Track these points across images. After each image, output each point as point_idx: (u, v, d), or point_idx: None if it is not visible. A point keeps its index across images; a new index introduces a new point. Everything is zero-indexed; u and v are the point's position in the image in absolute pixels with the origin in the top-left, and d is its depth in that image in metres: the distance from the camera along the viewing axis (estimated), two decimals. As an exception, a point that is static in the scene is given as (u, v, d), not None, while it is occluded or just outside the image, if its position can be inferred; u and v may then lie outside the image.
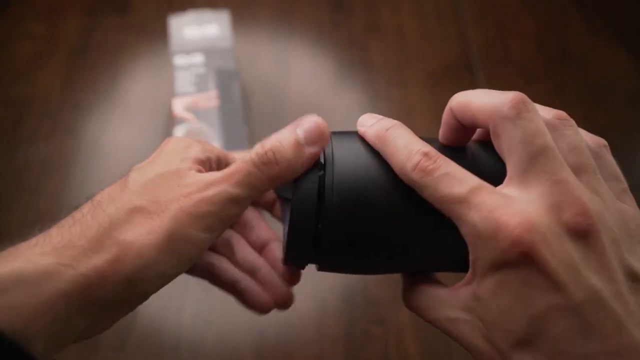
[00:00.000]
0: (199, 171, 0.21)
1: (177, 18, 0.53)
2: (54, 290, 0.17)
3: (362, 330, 0.45)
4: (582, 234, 0.17)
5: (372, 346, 0.45)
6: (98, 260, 0.18)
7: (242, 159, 0.20)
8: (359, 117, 0.24)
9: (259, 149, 0.20)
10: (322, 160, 0.22)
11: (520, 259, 0.17)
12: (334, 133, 0.23)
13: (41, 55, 0.62)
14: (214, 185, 0.19)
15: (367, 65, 0.63)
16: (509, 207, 0.17)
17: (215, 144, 0.46)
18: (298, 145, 0.21)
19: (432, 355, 0.44)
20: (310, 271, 0.50)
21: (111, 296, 0.18)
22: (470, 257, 0.19)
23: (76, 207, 0.20)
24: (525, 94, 0.63)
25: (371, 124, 0.22)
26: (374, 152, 0.22)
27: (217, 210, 0.19)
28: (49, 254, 0.17)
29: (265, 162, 0.20)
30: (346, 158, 0.21)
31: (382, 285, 0.48)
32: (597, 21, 0.69)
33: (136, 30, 0.65)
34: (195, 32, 0.52)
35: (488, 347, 0.18)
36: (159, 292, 0.47)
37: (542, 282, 0.17)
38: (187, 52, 0.51)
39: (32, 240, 0.18)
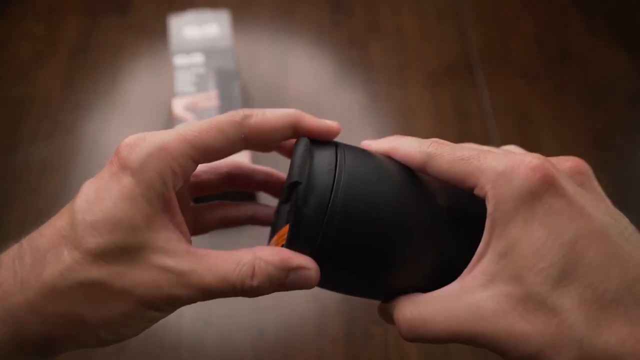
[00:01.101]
0: (171, 214, 0.20)
1: (176, 18, 0.53)
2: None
3: (362, 330, 0.45)
4: (581, 178, 0.20)
5: (372, 346, 0.45)
6: (37, 329, 0.18)
7: (224, 277, 0.19)
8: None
9: (247, 278, 0.19)
10: (332, 166, 0.21)
11: (543, 186, 0.17)
12: (340, 143, 0.23)
13: (41, 55, 0.62)
14: (185, 292, 0.19)
15: (367, 65, 0.63)
16: (520, 154, 0.19)
17: None
18: (279, 287, 0.20)
19: (432, 355, 0.44)
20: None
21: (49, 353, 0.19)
22: (491, 203, 0.18)
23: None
24: (526, 93, 0.64)
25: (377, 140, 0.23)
26: (381, 163, 0.22)
27: (177, 305, 0.20)
28: None
29: (243, 292, 0.19)
30: (355, 165, 0.21)
31: (382, 285, 0.48)
32: (597, 21, 0.69)
33: (136, 30, 0.65)
34: (195, 32, 0.53)
35: (530, 320, 0.17)
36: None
37: (565, 209, 0.17)
38: (187, 52, 0.51)
39: None
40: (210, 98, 0.48)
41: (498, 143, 0.58)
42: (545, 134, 0.58)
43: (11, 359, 0.17)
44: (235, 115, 0.20)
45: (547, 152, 0.57)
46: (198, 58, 0.50)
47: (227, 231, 0.50)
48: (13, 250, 0.18)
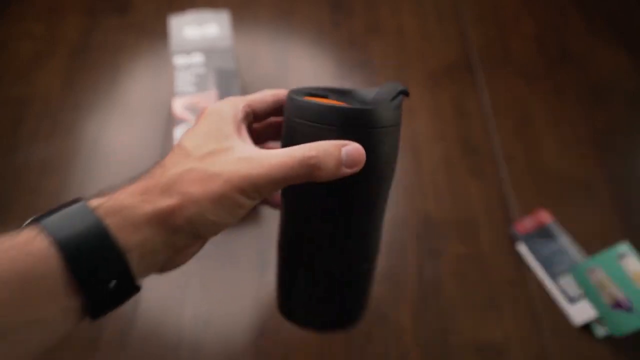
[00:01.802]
0: (243, 134, 0.27)
1: (177, 18, 0.53)
2: (139, 217, 0.23)
3: (362, 330, 0.45)
4: None
5: (372, 346, 0.45)
6: (168, 202, 0.23)
7: (289, 154, 0.24)
8: None
9: (306, 151, 0.24)
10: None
11: None
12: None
13: (41, 55, 0.62)
14: (260, 171, 0.24)
15: (367, 65, 0.63)
16: None
17: None
18: (339, 163, 0.24)
19: (432, 354, 0.44)
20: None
21: (180, 229, 0.23)
22: None
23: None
24: (526, 93, 0.64)
25: None
26: None
27: (259, 189, 0.24)
28: (133, 196, 0.23)
29: (309, 166, 0.24)
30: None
31: (382, 285, 0.48)
32: (597, 21, 0.69)
33: (136, 30, 0.65)
34: (195, 32, 0.53)
35: None
36: (159, 291, 0.47)
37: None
38: (187, 52, 0.51)
39: (118, 189, 0.24)
40: (210, 98, 0.48)
41: (498, 143, 0.58)
42: (545, 134, 0.58)
43: (167, 236, 0.23)
44: (271, 90, 0.30)
45: (547, 152, 0.57)
46: (198, 58, 0.50)
47: (228, 232, 0.50)
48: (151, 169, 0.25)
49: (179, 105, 0.47)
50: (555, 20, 0.69)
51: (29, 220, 0.23)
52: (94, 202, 0.23)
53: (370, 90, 0.28)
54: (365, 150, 0.25)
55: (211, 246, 0.49)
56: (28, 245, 0.21)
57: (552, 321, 0.46)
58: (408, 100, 0.60)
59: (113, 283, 0.22)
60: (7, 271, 0.20)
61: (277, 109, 0.30)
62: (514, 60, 0.65)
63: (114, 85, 0.60)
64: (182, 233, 0.24)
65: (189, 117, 0.47)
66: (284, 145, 0.27)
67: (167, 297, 0.46)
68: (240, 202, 0.24)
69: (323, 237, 0.28)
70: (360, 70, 0.63)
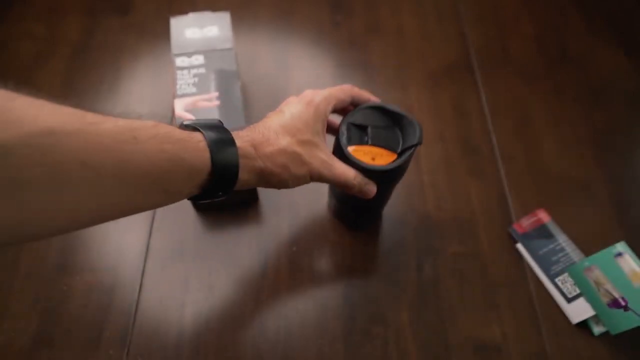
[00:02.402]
0: (324, 132, 0.39)
1: (177, 19, 0.54)
2: (253, 167, 0.34)
3: (362, 329, 0.46)
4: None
5: (372, 345, 0.45)
6: (271, 167, 0.35)
7: (345, 173, 0.38)
8: None
9: (352, 178, 0.38)
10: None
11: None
12: None
13: (42, 55, 0.62)
14: (328, 175, 0.37)
15: (367, 65, 0.63)
16: None
17: None
18: (360, 192, 0.39)
19: (432, 354, 0.45)
20: (311, 272, 0.51)
21: (269, 182, 0.36)
22: None
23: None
24: (525, 93, 0.65)
25: None
26: None
27: (321, 181, 0.38)
28: (253, 146, 0.34)
29: (361, 191, 0.39)
30: None
31: (382, 285, 0.48)
32: (596, 21, 0.69)
33: (137, 30, 0.65)
34: (196, 33, 0.53)
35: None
36: (159, 291, 0.48)
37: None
38: (188, 53, 0.51)
39: (241, 131, 0.35)
40: (210, 99, 0.48)
41: (497, 143, 0.58)
42: (544, 134, 0.59)
43: (255, 182, 0.35)
44: (349, 86, 0.40)
45: (547, 152, 0.57)
46: (199, 59, 0.51)
47: (229, 232, 0.51)
48: (250, 130, 0.35)
49: (180, 106, 0.48)
50: (555, 21, 0.69)
51: (189, 123, 0.33)
52: (236, 139, 0.33)
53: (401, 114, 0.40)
54: (384, 182, 0.41)
55: (212, 246, 0.50)
56: (199, 144, 0.31)
57: (550, 320, 0.47)
58: (408, 100, 0.61)
59: (221, 193, 0.33)
60: (189, 153, 0.30)
61: (348, 108, 0.41)
62: (514, 60, 0.65)
63: (115, 86, 0.60)
64: (269, 183, 0.35)
65: (189, 118, 0.47)
66: (334, 152, 0.40)
67: (168, 297, 0.46)
68: (307, 182, 0.37)
69: (357, 202, 0.43)
70: (360, 71, 0.63)
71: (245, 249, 0.49)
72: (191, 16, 0.54)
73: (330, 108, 0.38)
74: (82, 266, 0.48)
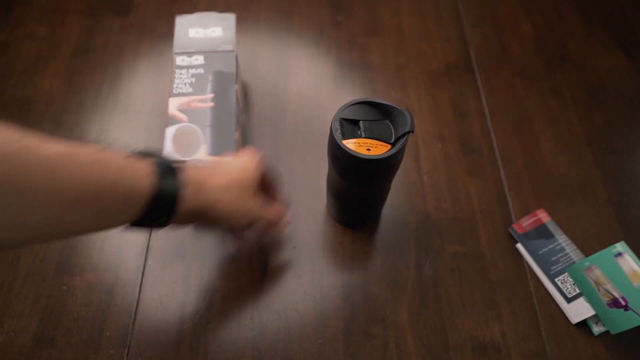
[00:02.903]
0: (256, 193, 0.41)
1: (183, 17, 0.54)
2: (194, 201, 0.35)
3: (361, 329, 0.46)
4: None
5: (372, 345, 0.45)
6: (207, 205, 0.37)
7: (270, 216, 0.43)
8: None
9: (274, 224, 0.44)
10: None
11: None
12: None
13: (44, 56, 0.62)
14: (255, 218, 0.41)
15: (366, 65, 0.64)
16: None
17: (204, 147, 0.46)
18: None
19: (431, 354, 0.45)
20: (311, 272, 0.51)
21: (203, 216, 0.37)
22: None
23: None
24: (523, 94, 0.65)
25: None
26: None
27: (257, 220, 0.42)
28: (195, 182, 0.35)
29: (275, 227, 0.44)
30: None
31: (382, 285, 0.48)
32: (595, 22, 0.69)
33: (137, 31, 0.65)
34: (200, 33, 0.53)
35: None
36: (159, 291, 0.48)
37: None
38: (189, 52, 0.51)
39: (187, 166, 0.36)
40: (205, 100, 0.48)
41: (496, 143, 0.58)
42: (544, 134, 0.59)
43: (195, 213, 0.36)
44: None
45: (546, 152, 0.57)
46: (199, 59, 0.51)
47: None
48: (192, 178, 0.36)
49: (173, 105, 0.48)
50: (554, 21, 0.69)
51: (141, 150, 0.34)
52: (181, 172, 0.34)
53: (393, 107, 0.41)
54: (383, 173, 0.42)
55: (212, 246, 0.50)
56: (141, 171, 0.31)
57: (549, 319, 0.47)
58: (408, 100, 0.61)
59: (163, 219, 0.33)
60: (128, 179, 0.30)
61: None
62: (513, 60, 0.65)
63: (116, 86, 0.60)
64: (206, 217, 0.37)
65: (182, 117, 0.47)
66: (328, 148, 0.42)
67: (168, 296, 0.47)
68: (244, 221, 0.40)
69: (356, 197, 0.46)
70: (360, 71, 0.63)
71: (245, 249, 0.49)
72: (196, 16, 0.54)
73: (257, 175, 0.41)
74: (83, 266, 0.48)
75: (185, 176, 0.34)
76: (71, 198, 0.27)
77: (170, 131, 0.46)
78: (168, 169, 0.33)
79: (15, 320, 0.45)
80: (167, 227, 0.35)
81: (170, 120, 0.47)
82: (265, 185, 0.44)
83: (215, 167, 0.39)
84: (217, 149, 0.46)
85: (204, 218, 0.37)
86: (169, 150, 0.45)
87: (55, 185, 0.26)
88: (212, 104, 0.48)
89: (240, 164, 0.40)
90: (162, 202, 0.32)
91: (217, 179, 0.38)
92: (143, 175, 0.31)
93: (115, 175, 0.29)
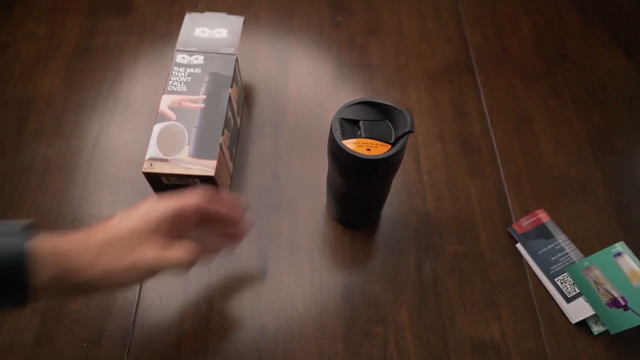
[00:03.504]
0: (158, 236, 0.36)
1: (191, 15, 0.54)
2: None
3: (361, 329, 0.46)
4: None
5: (372, 345, 0.45)
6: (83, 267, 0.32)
7: (188, 254, 0.37)
8: None
9: (195, 254, 0.37)
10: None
11: None
12: None
13: (43, 56, 0.62)
14: (166, 256, 0.36)
15: (366, 65, 0.64)
16: None
17: (187, 147, 0.45)
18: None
19: (431, 354, 0.45)
20: (311, 272, 0.51)
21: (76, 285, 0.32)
22: None
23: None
24: (523, 94, 0.65)
25: None
26: None
27: (157, 269, 0.36)
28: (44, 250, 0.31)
29: (194, 262, 0.38)
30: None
31: (382, 285, 0.48)
32: (595, 22, 0.69)
33: (138, 31, 0.65)
34: (205, 33, 0.53)
35: None
36: (159, 291, 0.48)
37: None
38: (190, 51, 0.51)
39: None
40: (197, 101, 0.48)
41: (496, 143, 0.58)
42: (543, 134, 0.59)
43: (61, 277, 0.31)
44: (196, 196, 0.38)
45: (546, 152, 0.57)
46: (198, 59, 0.51)
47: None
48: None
49: (165, 103, 0.47)
50: (554, 21, 0.69)
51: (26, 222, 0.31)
52: (31, 237, 0.30)
53: (392, 107, 0.41)
54: (383, 173, 0.41)
55: (212, 245, 0.50)
56: None
57: (549, 319, 0.47)
58: (408, 100, 0.61)
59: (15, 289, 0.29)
60: None
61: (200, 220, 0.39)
62: (513, 60, 0.65)
63: (116, 86, 0.60)
64: (76, 289, 0.33)
65: (171, 115, 0.47)
66: (328, 148, 0.42)
67: (168, 296, 0.47)
68: (131, 279, 0.35)
69: (356, 197, 0.46)
70: (360, 71, 0.63)
71: (245, 249, 0.49)
72: (206, 15, 0.54)
73: (168, 211, 0.36)
74: (83, 266, 0.48)
75: (38, 240, 0.29)
76: None
77: (156, 129, 0.46)
78: (13, 233, 0.29)
79: (15, 320, 0.45)
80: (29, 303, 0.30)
81: (159, 118, 0.47)
82: (212, 216, 0.39)
83: (96, 228, 0.34)
84: (200, 150, 0.45)
85: (84, 291, 0.32)
86: (154, 147, 0.45)
87: None
88: (202, 105, 0.47)
89: (138, 212, 0.35)
90: (5, 265, 0.27)
91: (92, 235, 0.33)
92: None
93: None
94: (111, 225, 0.34)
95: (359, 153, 0.38)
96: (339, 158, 0.40)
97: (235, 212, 0.41)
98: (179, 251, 0.36)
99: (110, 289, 0.35)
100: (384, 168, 0.40)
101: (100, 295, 0.46)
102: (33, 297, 0.30)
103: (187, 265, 0.36)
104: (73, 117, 0.57)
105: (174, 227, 0.36)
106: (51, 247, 0.30)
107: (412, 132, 0.39)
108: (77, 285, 0.31)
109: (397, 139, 0.39)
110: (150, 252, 0.34)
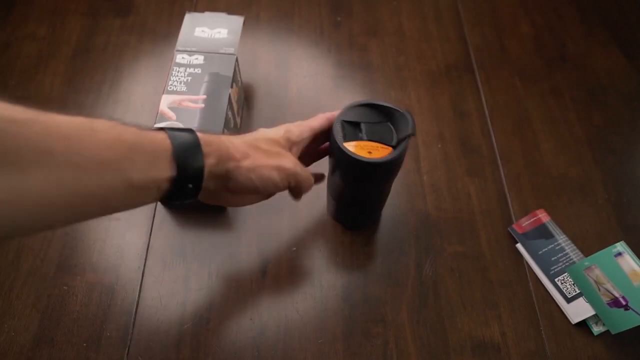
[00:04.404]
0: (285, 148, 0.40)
1: (192, 15, 0.54)
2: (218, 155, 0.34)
3: (361, 329, 0.46)
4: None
5: (372, 345, 0.45)
6: (238, 157, 0.35)
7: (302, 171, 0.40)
8: None
9: (292, 174, 0.39)
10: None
11: None
12: None
13: (44, 56, 0.62)
14: (289, 174, 0.39)
15: (366, 66, 0.64)
16: None
17: None
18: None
19: (431, 354, 0.45)
20: (311, 272, 0.51)
21: (228, 173, 0.35)
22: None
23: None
24: (523, 94, 0.65)
25: None
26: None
27: (294, 175, 0.39)
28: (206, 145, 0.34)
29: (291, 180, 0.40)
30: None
31: (382, 285, 0.48)
32: (594, 22, 0.69)
33: (138, 31, 0.65)
34: (205, 33, 0.53)
35: None
36: (159, 291, 0.48)
37: None
38: (190, 51, 0.51)
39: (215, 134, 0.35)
40: (196, 101, 0.48)
41: (496, 143, 0.58)
42: (543, 134, 0.59)
43: (221, 173, 0.34)
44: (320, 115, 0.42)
45: (546, 152, 0.57)
46: (198, 59, 0.51)
47: (229, 231, 0.51)
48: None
49: (165, 103, 0.47)
50: (553, 22, 0.69)
51: (157, 127, 0.36)
52: (194, 133, 0.33)
53: (396, 110, 0.41)
54: (384, 176, 0.42)
55: (212, 246, 0.50)
56: (158, 134, 0.31)
57: (549, 319, 0.47)
58: (408, 101, 0.61)
59: (190, 185, 0.32)
60: (147, 141, 0.30)
61: (313, 137, 0.42)
62: (513, 61, 0.65)
63: (116, 86, 0.60)
64: (232, 178, 0.35)
65: (171, 115, 0.47)
66: (330, 150, 0.42)
67: (168, 296, 0.47)
68: (274, 178, 0.38)
69: (356, 199, 0.46)
70: (360, 71, 0.63)
71: (245, 249, 0.49)
72: (206, 15, 0.54)
73: (305, 135, 0.40)
74: (83, 266, 0.48)
75: (202, 136, 0.33)
76: (97, 159, 0.26)
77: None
78: (180, 130, 0.32)
79: (15, 320, 0.45)
80: (199, 197, 0.34)
81: (159, 118, 0.47)
82: (318, 147, 0.43)
83: (240, 135, 0.38)
84: None
85: (232, 177, 0.35)
86: None
87: (81, 148, 0.26)
88: (202, 105, 0.47)
89: (279, 129, 0.39)
90: (186, 157, 0.31)
91: (239, 138, 0.37)
92: (159, 137, 0.31)
93: (134, 139, 0.29)
94: (255, 134, 0.38)
95: (360, 156, 0.38)
96: (340, 160, 0.40)
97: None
98: (305, 170, 0.40)
99: (255, 187, 0.36)
100: (385, 171, 0.40)
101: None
102: (201, 186, 0.33)
103: (310, 184, 0.41)
104: (73, 117, 0.57)
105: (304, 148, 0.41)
106: (211, 138, 0.34)
107: (414, 135, 0.38)
108: (230, 172, 0.34)
109: (399, 142, 0.39)
110: (290, 162, 0.38)
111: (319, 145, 0.44)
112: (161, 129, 0.32)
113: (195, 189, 0.32)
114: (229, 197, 0.37)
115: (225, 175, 0.34)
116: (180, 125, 0.46)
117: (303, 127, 0.40)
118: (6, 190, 0.23)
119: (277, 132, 0.39)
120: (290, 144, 0.39)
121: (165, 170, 0.30)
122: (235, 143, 0.36)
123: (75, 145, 0.26)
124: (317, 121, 0.41)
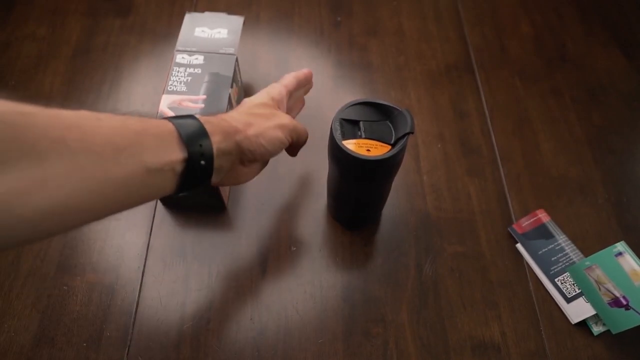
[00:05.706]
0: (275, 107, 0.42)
1: (192, 15, 0.54)
2: (221, 128, 0.35)
3: (361, 329, 0.46)
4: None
5: (372, 345, 0.45)
6: (239, 126, 0.37)
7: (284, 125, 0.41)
8: None
9: (293, 129, 0.41)
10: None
11: None
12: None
13: (44, 56, 0.62)
14: (290, 127, 0.41)
15: (366, 66, 0.64)
16: None
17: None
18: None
19: (431, 354, 0.45)
20: (311, 272, 0.51)
21: (238, 145, 0.36)
22: None
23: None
24: (523, 94, 0.65)
25: None
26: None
27: (295, 131, 0.42)
28: (220, 119, 0.36)
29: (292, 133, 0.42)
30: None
31: (382, 285, 0.48)
32: (594, 22, 0.69)
33: (138, 31, 0.65)
34: (205, 33, 0.53)
35: None
36: (159, 291, 0.48)
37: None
38: (190, 51, 0.51)
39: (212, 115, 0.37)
40: (196, 101, 0.48)
41: (496, 143, 0.58)
42: (543, 134, 0.59)
43: (230, 147, 0.35)
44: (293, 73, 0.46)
45: (546, 152, 0.57)
46: (198, 59, 0.51)
47: (229, 231, 0.51)
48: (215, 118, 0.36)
49: (165, 103, 0.47)
50: (553, 22, 0.69)
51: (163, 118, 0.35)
52: (194, 116, 0.34)
53: (395, 109, 0.41)
54: (383, 174, 0.42)
55: (212, 246, 0.50)
56: (160, 120, 0.32)
57: (549, 319, 0.47)
58: (407, 100, 0.61)
59: (203, 162, 0.32)
60: (151, 127, 0.30)
61: (297, 88, 0.46)
62: (513, 61, 0.65)
63: (116, 86, 0.60)
64: (241, 147, 0.36)
65: (171, 115, 0.47)
66: (329, 148, 0.42)
67: (168, 296, 0.47)
68: (280, 138, 0.39)
69: (356, 198, 0.46)
70: (360, 71, 0.63)
71: (245, 249, 0.49)
72: (206, 15, 0.54)
73: (284, 93, 0.43)
74: (83, 266, 0.48)
75: (200, 118, 0.34)
76: (107, 144, 0.26)
77: None
78: (180, 118, 0.33)
79: (15, 320, 0.45)
80: (223, 182, 0.35)
81: (159, 117, 0.47)
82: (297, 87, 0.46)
83: (231, 110, 0.40)
84: None
85: (241, 146, 0.36)
86: None
87: (90, 135, 0.26)
88: (202, 105, 0.47)
89: (261, 93, 0.42)
90: (192, 137, 0.31)
91: (234, 112, 0.38)
92: (162, 122, 0.31)
93: (139, 125, 0.29)
94: (245, 104, 0.40)
95: (359, 154, 0.38)
96: (339, 159, 0.40)
97: (307, 74, 0.47)
98: (300, 123, 0.42)
99: (267, 152, 0.38)
100: (384, 169, 0.40)
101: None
102: (214, 166, 0.33)
103: (307, 135, 0.43)
104: (73, 117, 0.57)
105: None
106: (209, 118, 0.34)
107: (413, 133, 0.39)
108: (240, 144, 0.35)
109: (397, 140, 0.39)
110: (286, 118, 0.40)
111: (291, 103, 0.47)
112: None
113: (208, 170, 0.33)
114: (243, 172, 0.39)
115: (236, 149, 0.35)
116: None
117: (280, 87, 0.43)
118: (27, 183, 0.23)
119: (262, 96, 0.42)
120: (276, 104, 0.42)
121: (176, 152, 0.31)
122: (234, 116, 0.37)
123: (86, 132, 0.26)
124: (287, 79, 0.45)
